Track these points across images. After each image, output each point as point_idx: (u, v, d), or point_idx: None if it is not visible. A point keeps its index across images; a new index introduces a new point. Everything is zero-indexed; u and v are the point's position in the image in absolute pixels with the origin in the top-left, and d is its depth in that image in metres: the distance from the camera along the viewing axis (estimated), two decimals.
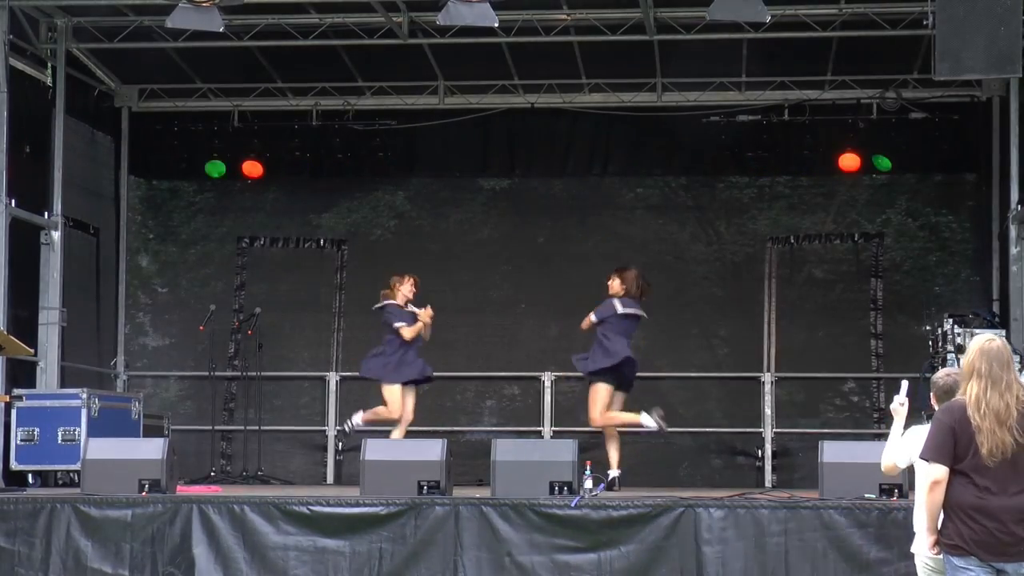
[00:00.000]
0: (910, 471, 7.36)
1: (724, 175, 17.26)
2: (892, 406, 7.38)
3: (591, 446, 12.82)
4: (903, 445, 7.33)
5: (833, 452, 10.96)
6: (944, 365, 13.06)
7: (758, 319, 16.81)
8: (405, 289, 13.84)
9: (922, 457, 6.51)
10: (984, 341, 6.54)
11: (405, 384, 13.67)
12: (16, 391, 14.05)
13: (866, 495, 10.55)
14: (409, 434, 13.66)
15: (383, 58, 16.20)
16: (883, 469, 7.46)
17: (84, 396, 14.00)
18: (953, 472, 6.41)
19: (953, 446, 6.40)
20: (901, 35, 14.61)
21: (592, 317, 13.15)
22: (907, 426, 7.39)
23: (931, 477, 6.44)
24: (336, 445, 16.68)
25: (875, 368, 16.67)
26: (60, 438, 13.89)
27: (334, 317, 17.36)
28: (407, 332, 13.67)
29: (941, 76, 11.88)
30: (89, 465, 11.49)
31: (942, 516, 6.50)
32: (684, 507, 10.65)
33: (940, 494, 6.42)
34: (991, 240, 16.24)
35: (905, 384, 7.37)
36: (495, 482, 11.17)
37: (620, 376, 13.03)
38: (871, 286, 16.85)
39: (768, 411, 16.37)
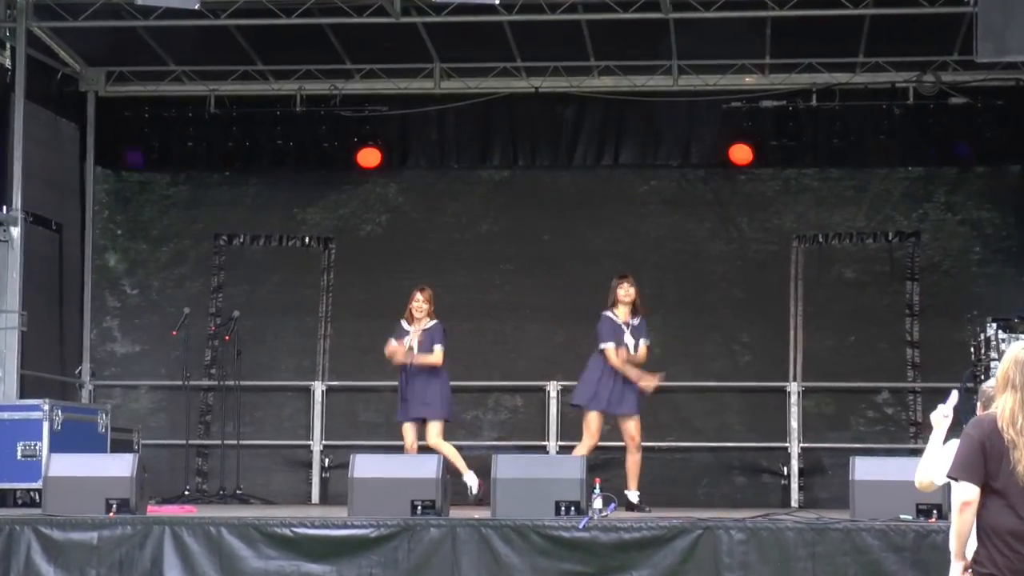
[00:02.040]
0: (948, 488, 7.29)
1: (746, 166, 17.25)
2: (933, 415, 7.26)
3: (600, 463, 12.82)
4: (942, 460, 7.27)
5: (865, 469, 10.98)
6: (987, 374, 13.03)
7: (783, 324, 16.80)
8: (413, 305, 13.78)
9: (949, 476, 6.47)
10: (1020, 350, 6.47)
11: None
12: None
13: (901, 516, 10.56)
14: (401, 449, 13.68)
15: (373, 38, 16.20)
16: (917, 485, 7.37)
17: (46, 408, 13.99)
18: (989, 493, 6.37)
19: (983, 463, 6.35)
20: (940, 13, 14.61)
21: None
22: (948, 439, 7.32)
23: (960, 498, 6.40)
24: (322, 461, 16.67)
25: (911, 378, 16.66)
26: (19, 454, 13.90)
27: (320, 322, 17.36)
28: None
29: (983, 58, 11.90)
30: (51, 483, 11.50)
31: (976, 541, 6.46)
32: (702, 529, 10.65)
33: (970, 516, 6.37)
34: None
35: (954, 395, 7.26)
36: (496, 501, 11.19)
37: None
38: (907, 288, 16.83)
39: (794, 424, 16.35)
